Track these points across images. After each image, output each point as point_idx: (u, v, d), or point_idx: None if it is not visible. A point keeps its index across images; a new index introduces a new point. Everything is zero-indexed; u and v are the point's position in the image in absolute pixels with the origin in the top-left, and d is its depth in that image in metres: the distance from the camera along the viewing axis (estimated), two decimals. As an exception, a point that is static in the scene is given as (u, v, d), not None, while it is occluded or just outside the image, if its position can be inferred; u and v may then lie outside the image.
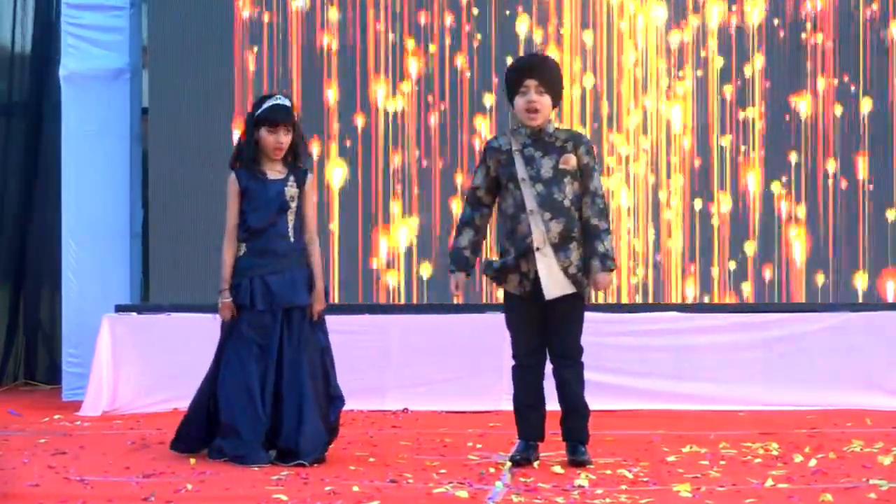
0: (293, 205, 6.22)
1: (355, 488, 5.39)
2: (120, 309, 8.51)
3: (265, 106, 6.20)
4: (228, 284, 6.18)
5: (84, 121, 8.94)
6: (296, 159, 6.27)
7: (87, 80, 8.94)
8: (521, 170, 5.99)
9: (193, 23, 8.72)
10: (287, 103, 6.23)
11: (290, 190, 6.21)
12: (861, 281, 8.46)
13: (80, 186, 8.92)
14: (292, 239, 6.23)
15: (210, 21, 8.71)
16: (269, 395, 6.11)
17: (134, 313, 8.50)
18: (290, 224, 6.22)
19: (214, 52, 8.69)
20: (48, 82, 9.52)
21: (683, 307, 8.40)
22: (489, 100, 8.57)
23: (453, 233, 6.34)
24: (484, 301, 8.46)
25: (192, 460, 6.06)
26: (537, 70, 6.04)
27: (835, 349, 8.10)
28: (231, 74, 8.66)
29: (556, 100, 6.08)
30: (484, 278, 7.99)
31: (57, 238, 9.07)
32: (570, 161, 6.00)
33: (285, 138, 6.19)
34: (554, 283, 5.96)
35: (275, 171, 6.23)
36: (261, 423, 6.05)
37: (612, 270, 6.02)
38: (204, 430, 6.24)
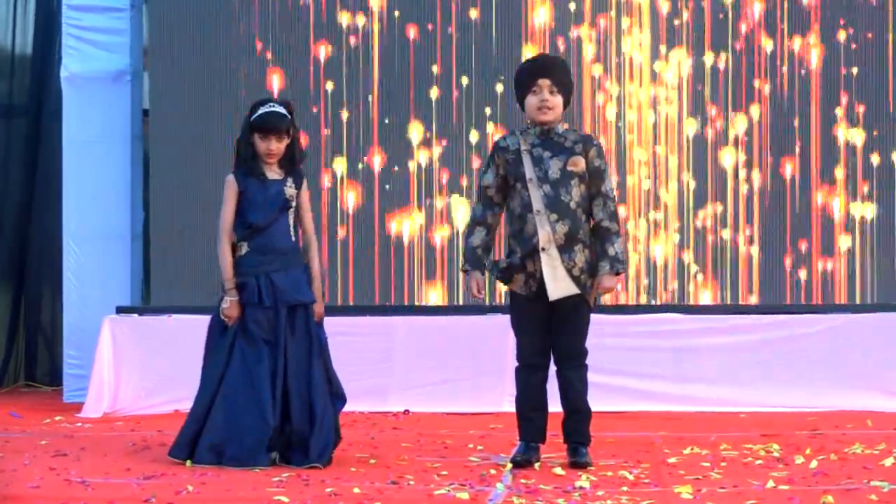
0: (293, 204, 6.24)
1: (356, 490, 5.39)
2: (121, 310, 8.51)
3: (258, 112, 6.20)
4: (233, 284, 6.17)
5: (85, 123, 8.94)
6: (292, 162, 6.27)
7: (87, 82, 8.95)
8: (528, 170, 5.99)
9: (194, 24, 8.72)
10: (281, 110, 6.20)
11: (289, 190, 6.23)
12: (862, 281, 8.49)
13: (81, 188, 8.92)
14: (293, 238, 6.25)
15: (210, 22, 8.71)
16: (278, 394, 6.09)
17: (135, 315, 8.50)
18: (291, 223, 6.25)
19: (215, 54, 8.69)
20: (49, 84, 9.52)
21: (684, 309, 8.40)
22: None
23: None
24: (487, 302, 8.45)
25: (189, 462, 6.06)
26: (550, 70, 6.04)
27: (835, 351, 8.10)
28: (232, 76, 8.66)
29: (567, 100, 6.08)
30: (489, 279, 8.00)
31: (58, 240, 9.08)
32: (579, 163, 6.00)
33: (277, 145, 6.20)
34: (558, 284, 5.96)
35: (273, 172, 6.25)
36: (267, 429, 6.03)
37: (619, 274, 6.02)
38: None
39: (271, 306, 6.13)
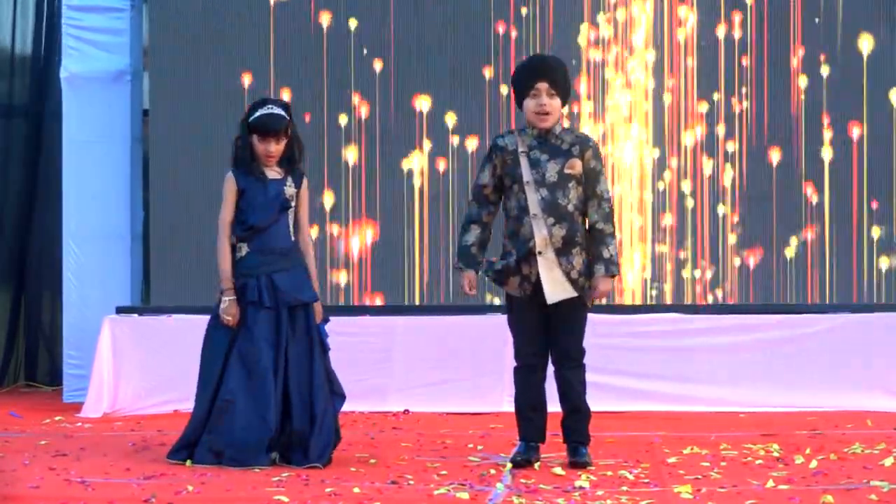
0: (293, 204, 6.23)
1: (356, 490, 5.39)
2: (121, 310, 8.51)
3: (257, 114, 6.18)
4: (231, 284, 6.17)
5: (85, 123, 8.94)
6: (291, 162, 6.26)
7: (87, 82, 8.94)
8: (525, 172, 5.98)
9: (194, 24, 8.72)
10: (279, 112, 6.18)
11: (289, 190, 6.22)
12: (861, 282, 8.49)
13: (81, 188, 8.92)
14: (293, 237, 6.25)
15: (210, 22, 8.71)
16: (279, 394, 6.09)
17: (135, 315, 8.50)
18: (290, 223, 6.24)
19: (215, 54, 8.69)
20: (49, 84, 9.52)
21: (684, 308, 8.40)
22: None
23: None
24: (486, 302, 8.45)
25: (189, 462, 6.06)
26: (548, 72, 6.02)
27: (835, 350, 8.10)
28: (232, 76, 8.66)
29: (565, 101, 6.07)
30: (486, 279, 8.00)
31: (58, 240, 9.07)
32: (576, 166, 5.99)
33: (276, 147, 6.19)
34: (555, 287, 5.95)
35: (273, 172, 6.24)
36: (267, 430, 6.02)
37: (614, 276, 6.02)
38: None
39: (272, 307, 6.13)
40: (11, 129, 9.70)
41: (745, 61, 8.51)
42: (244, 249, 6.20)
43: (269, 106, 6.21)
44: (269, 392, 6.05)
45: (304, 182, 6.31)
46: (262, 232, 6.18)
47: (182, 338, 8.07)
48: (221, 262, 6.20)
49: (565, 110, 6.26)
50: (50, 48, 9.54)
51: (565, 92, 6.06)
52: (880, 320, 8.17)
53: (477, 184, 6.15)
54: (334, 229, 8.61)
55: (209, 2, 8.73)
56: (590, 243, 6.00)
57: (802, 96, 8.48)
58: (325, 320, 6.28)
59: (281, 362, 6.11)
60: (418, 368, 8.22)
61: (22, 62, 9.69)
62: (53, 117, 9.33)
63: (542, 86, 5.98)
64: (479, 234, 6.11)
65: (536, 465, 5.99)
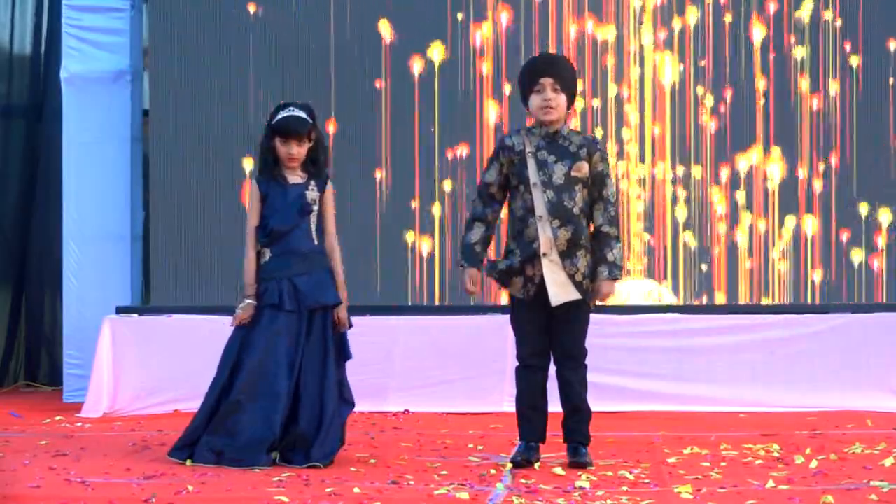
0: (315, 207, 6.22)
1: (356, 490, 5.39)
2: (121, 310, 8.51)
3: (279, 116, 6.20)
4: (253, 290, 6.17)
5: (85, 123, 8.94)
6: (315, 165, 6.27)
7: (87, 83, 8.94)
8: (532, 174, 5.97)
9: (194, 24, 8.73)
10: (301, 114, 6.19)
11: (311, 193, 6.21)
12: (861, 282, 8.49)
13: (81, 188, 8.92)
14: (315, 241, 6.24)
15: (211, 22, 8.71)
16: (289, 397, 6.08)
17: (135, 315, 8.50)
18: (313, 226, 6.23)
19: (215, 54, 8.69)
20: (49, 84, 9.52)
21: (684, 308, 8.40)
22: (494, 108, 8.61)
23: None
24: (486, 302, 8.45)
25: (189, 461, 6.06)
26: (552, 68, 6.02)
27: (835, 350, 8.10)
28: (232, 76, 8.66)
29: (571, 99, 6.06)
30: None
31: (58, 240, 9.08)
32: (583, 169, 5.99)
33: (298, 149, 6.19)
34: (560, 289, 5.94)
35: (295, 176, 6.24)
36: (271, 433, 6.02)
37: (617, 279, 6.02)
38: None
39: (294, 310, 6.12)
40: (11, 129, 9.71)
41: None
42: (267, 254, 6.20)
43: (291, 108, 6.22)
44: (277, 394, 6.04)
45: (329, 186, 6.30)
46: (284, 236, 6.18)
47: (182, 338, 8.09)
48: (245, 269, 6.21)
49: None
50: (50, 48, 9.55)
51: (571, 89, 6.04)
52: (880, 320, 8.17)
53: (483, 182, 6.15)
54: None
55: (209, 1, 8.73)
56: (594, 246, 6.00)
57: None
58: (349, 325, 6.26)
59: (296, 365, 6.11)
60: (418, 368, 8.23)
61: (22, 62, 9.69)
62: (53, 117, 9.33)
63: (546, 81, 5.98)
64: (482, 233, 6.10)
65: (536, 465, 5.99)
